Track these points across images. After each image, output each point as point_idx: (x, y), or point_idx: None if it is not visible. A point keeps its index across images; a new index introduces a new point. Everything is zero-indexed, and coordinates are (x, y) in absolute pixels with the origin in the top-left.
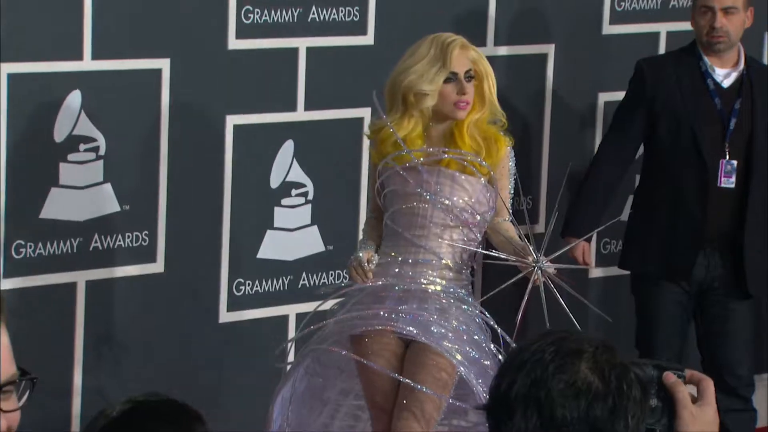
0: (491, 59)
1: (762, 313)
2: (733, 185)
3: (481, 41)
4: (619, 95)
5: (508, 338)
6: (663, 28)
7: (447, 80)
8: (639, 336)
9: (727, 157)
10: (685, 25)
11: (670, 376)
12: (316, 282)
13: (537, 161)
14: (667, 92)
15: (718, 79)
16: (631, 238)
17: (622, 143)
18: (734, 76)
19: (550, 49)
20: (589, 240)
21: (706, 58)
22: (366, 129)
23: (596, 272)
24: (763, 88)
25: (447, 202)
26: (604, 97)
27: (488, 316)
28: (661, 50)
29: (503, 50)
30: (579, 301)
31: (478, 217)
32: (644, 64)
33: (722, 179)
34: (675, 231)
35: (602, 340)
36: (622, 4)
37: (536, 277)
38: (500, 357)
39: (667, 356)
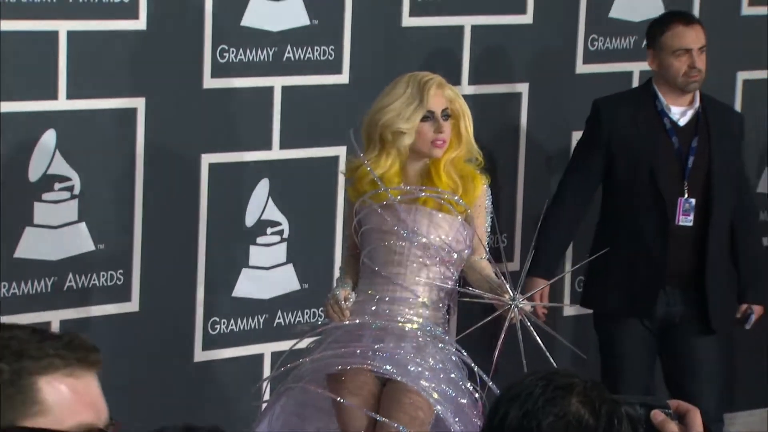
0: (466, 98)
1: (730, 351)
2: (691, 223)
3: (455, 80)
4: None
5: (484, 376)
6: (636, 67)
7: (424, 119)
8: (604, 373)
9: (686, 195)
10: None
11: (658, 415)
12: (292, 320)
13: (512, 199)
14: (623, 132)
15: (675, 117)
16: (592, 275)
17: (582, 182)
18: (690, 114)
19: (524, 88)
20: (548, 279)
21: (662, 97)
22: (342, 167)
23: (570, 310)
24: (719, 125)
25: (424, 240)
26: (577, 136)
27: (465, 354)
28: None
29: (477, 89)
30: (554, 339)
31: (455, 255)
32: (600, 104)
33: (680, 217)
34: (635, 269)
35: (591, 378)
36: (595, 43)
37: (512, 315)
38: (477, 395)
39: (633, 393)
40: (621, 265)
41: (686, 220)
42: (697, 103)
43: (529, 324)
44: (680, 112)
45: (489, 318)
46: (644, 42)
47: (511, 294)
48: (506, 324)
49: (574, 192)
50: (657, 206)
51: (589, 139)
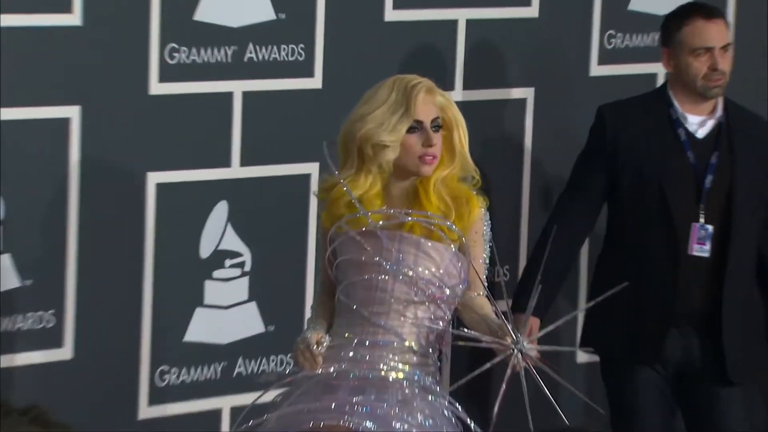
0: (460, 106)
1: (763, 403)
2: (707, 254)
3: (447, 85)
4: None
5: None
6: (660, 68)
7: (411, 130)
8: (615, 429)
9: (702, 220)
10: None
11: None
12: (255, 369)
13: (514, 225)
14: (630, 144)
15: (692, 128)
16: (592, 313)
17: (582, 201)
18: (710, 124)
19: (528, 94)
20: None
21: (677, 104)
22: (314, 188)
23: (584, 356)
24: (745, 139)
25: (411, 273)
26: None
27: (459, 408)
28: None
29: (472, 95)
30: (565, 388)
31: (448, 291)
32: (605, 111)
33: (694, 246)
34: (642, 305)
35: None
36: (613, 40)
37: (516, 361)
38: None
39: None
40: (624, 302)
41: (701, 250)
42: (719, 112)
43: (535, 372)
44: (699, 122)
45: (487, 365)
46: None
47: (514, 337)
48: (508, 372)
49: (574, 213)
50: (667, 233)
51: (591, 151)
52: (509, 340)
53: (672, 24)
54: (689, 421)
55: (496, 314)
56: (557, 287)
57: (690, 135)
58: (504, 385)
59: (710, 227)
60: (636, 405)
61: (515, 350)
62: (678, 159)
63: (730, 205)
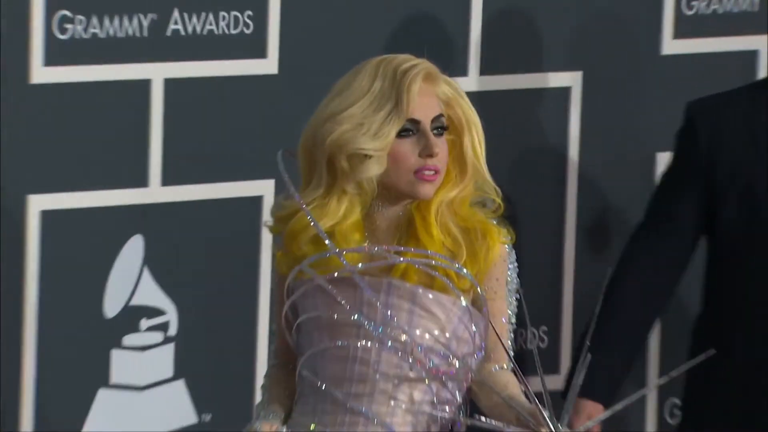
0: (474, 98)
1: None
2: None
3: (456, 69)
4: None
5: None
6: (764, 43)
7: (403, 133)
8: None
9: None
10: None
11: None
12: None
13: (555, 267)
14: (734, 152)
15: None
16: (692, 397)
17: (669, 236)
18: None
19: (574, 80)
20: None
21: None
22: (268, 217)
23: None
24: None
25: (404, 337)
26: (665, 158)
27: None
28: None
29: (491, 82)
30: None
31: (457, 363)
32: (696, 111)
33: None
34: (759, 386)
35: None
36: (694, 5)
37: None
38: None
39: None
40: (735, 379)
41: None
42: None
43: None
44: None
45: None
46: None
47: (552, 428)
48: None
49: (657, 252)
50: None
51: (679, 167)
52: (544, 431)
53: None
54: None
55: (526, 396)
56: (629, 363)
57: None
58: None
59: None
60: None
61: None
62: None
63: None
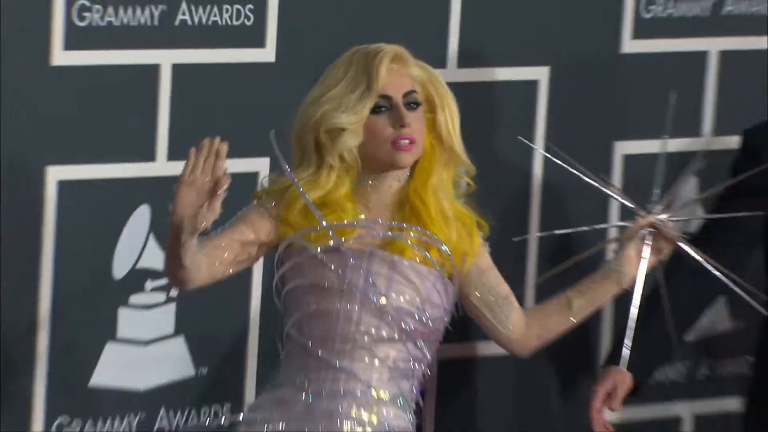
0: (453, 88)
1: None
2: None
3: (437, 62)
4: (648, 145)
5: None
6: (713, 44)
7: (376, 110)
8: None
9: None
10: (747, 42)
11: None
12: (181, 422)
13: (521, 251)
14: None
15: None
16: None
17: (728, 238)
18: None
19: (541, 74)
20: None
21: None
22: (260, 187)
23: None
24: None
25: (383, 300)
26: (622, 148)
27: None
28: (710, 78)
29: (469, 74)
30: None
31: (434, 326)
32: (756, 135)
33: None
34: None
35: None
36: (652, 8)
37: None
38: None
39: None
40: None
41: None
42: None
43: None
44: None
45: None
46: (725, 5)
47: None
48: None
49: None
50: None
51: (738, 195)
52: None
53: None
54: None
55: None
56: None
57: None
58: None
59: None
60: None
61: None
62: None
63: None
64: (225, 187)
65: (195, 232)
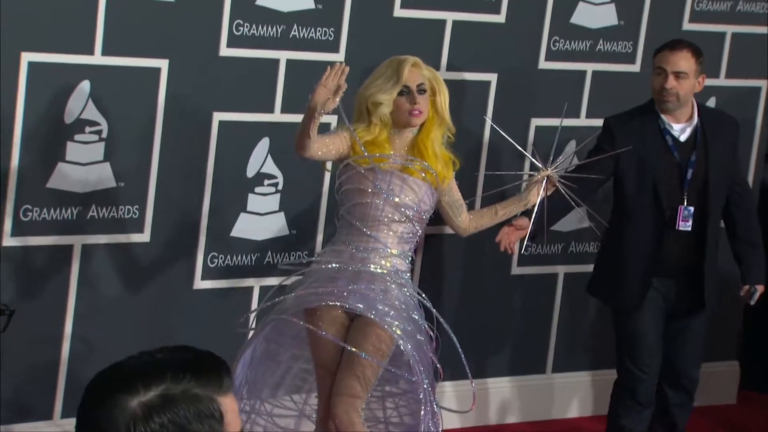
0: (447, 82)
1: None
2: (690, 228)
3: (435, 66)
4: (549, 121)
5: (441, 319)
6: (590, 67)
7: (401, 93)
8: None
9: (685, 203)
10: (610, 67)
11: None
12: (279, 260)
13: (473, 180)
14: (632, 150)
15: (676, 134)
16: (600, 267)
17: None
18: (689, 130)
19: (493, 78)
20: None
21: (663, 116)
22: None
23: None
24: (715, 137)
25: (397, 199)
26: (536, 122)
27: (425, 298)
28: (586, 88)
29: (453, 75)
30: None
31: (424, 216)
32: (613, 122)
33: (680, 223)
34: (636, 263)
35: None
36: (557, 44)
37: (548, 181)
38: (432, 334)
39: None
40: (623, 259)
41: (685, 226)
42: (695, 120)
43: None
44: (680, 129)
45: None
46: (598, 46)
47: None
48: (542, 194)
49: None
50: (659, 214)
51: (598, 151)
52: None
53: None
54: (664, 343)
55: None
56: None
57: (675, 139)
58: (538, 205)
59: (692, 208)
60: (639, 330)
61: (548, 173)
62: (667, 159)
63: (706, 190)
64: (342, 90)
65: (321, 114)
